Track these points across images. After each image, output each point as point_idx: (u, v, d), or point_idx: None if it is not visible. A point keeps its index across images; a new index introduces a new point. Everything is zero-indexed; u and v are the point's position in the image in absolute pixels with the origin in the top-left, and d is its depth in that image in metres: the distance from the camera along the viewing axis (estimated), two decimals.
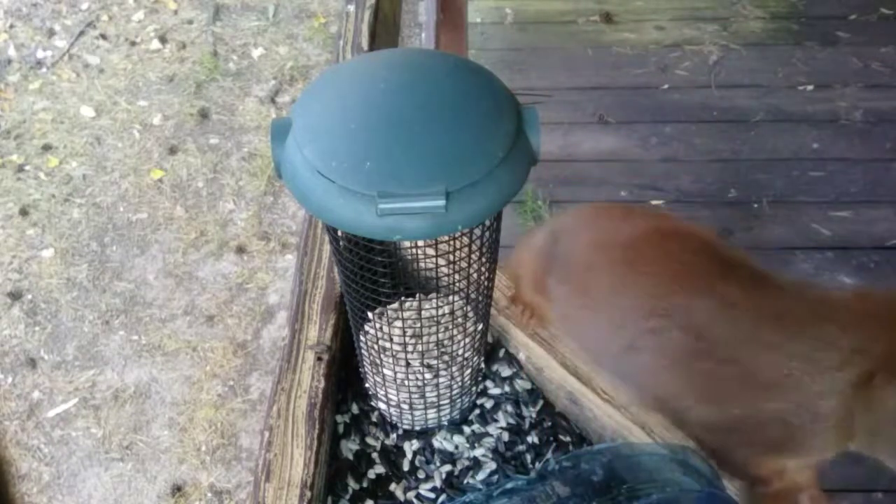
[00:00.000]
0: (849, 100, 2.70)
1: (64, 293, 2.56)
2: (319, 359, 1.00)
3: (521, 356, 1.04)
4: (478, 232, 0.82)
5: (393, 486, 0.95)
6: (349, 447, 0.99)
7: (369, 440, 1.00)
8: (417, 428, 1.00)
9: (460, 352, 0.94)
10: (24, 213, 2.78)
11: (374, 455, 0.99)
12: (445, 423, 0.99)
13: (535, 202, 2.39)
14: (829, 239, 2.32)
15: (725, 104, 2.70)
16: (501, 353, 1.07)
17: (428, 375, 0.94)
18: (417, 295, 0.96)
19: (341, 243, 0.84)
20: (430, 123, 0.70)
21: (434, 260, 0.88)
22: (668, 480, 0.72)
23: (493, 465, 0.95)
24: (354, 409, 1.03)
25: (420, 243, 0.87)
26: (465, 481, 0.94)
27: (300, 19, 3.44)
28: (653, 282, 1.05)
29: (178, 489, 2.14)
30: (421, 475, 0.96)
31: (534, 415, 1.00)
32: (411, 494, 0.95)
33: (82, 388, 2.35)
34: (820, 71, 2.78)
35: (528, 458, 0.96)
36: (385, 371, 0.94)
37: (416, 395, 0.96)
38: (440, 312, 0.90)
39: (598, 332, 1.08)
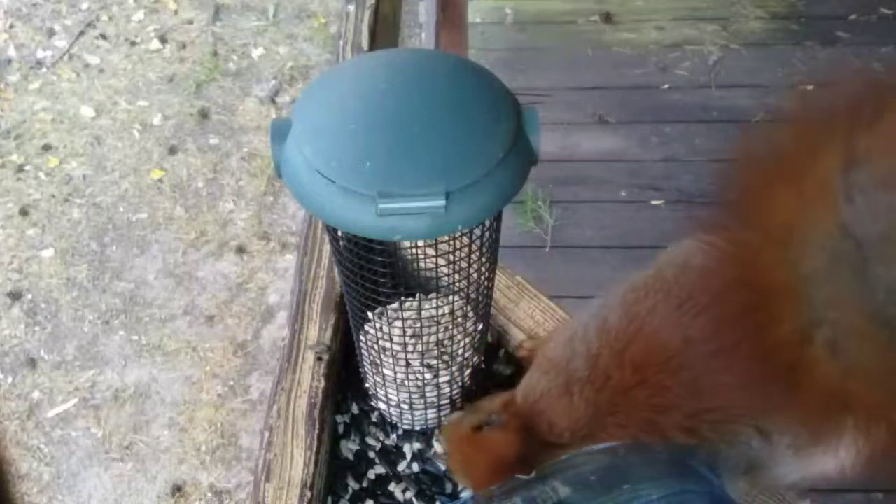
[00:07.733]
0: None
1: (64, 293, 2.56)
2: (319, 359, 1.00)
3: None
4: (478, 232, 0.82)
5: (393, 486, 0.95)
6: (349, 447, 0.99)
7: (369, 440, 1.00)
8: (418, 428, 1.00)
9: (460, 352, 0.94)
10: (24, 213, 2.78)
11: (374, 455, 0.99)
12: (446, 423, 0.99)
13: (535, 202, 2.39)
14: None
15: (725, 104, 2.70)
16: (501, 353, 1.07)
17: (428, 375, 0.94)
18: (417, 295, 0.95)
19: (341, 243, 0.84)
20: (430, 123, 0.70)
21: (434, 260, 0.88)
22: (668, 481, 0.72)
23: None
24: (354, 409, 1.03)
25: (420, 243, 0.87)
26: None
27: (300, 19, 3.43)
28: None
29: (178, 489, 2.14)
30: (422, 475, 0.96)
31: None
32: (411, 494, 0.95)
33: (82, 388, 2.34)
34: (820, 71, 2.78)
35: None
36: (385, 371, 0.94)
37: (416, 395, 0.96)
38: (440, 312, 0.90)
39: None
